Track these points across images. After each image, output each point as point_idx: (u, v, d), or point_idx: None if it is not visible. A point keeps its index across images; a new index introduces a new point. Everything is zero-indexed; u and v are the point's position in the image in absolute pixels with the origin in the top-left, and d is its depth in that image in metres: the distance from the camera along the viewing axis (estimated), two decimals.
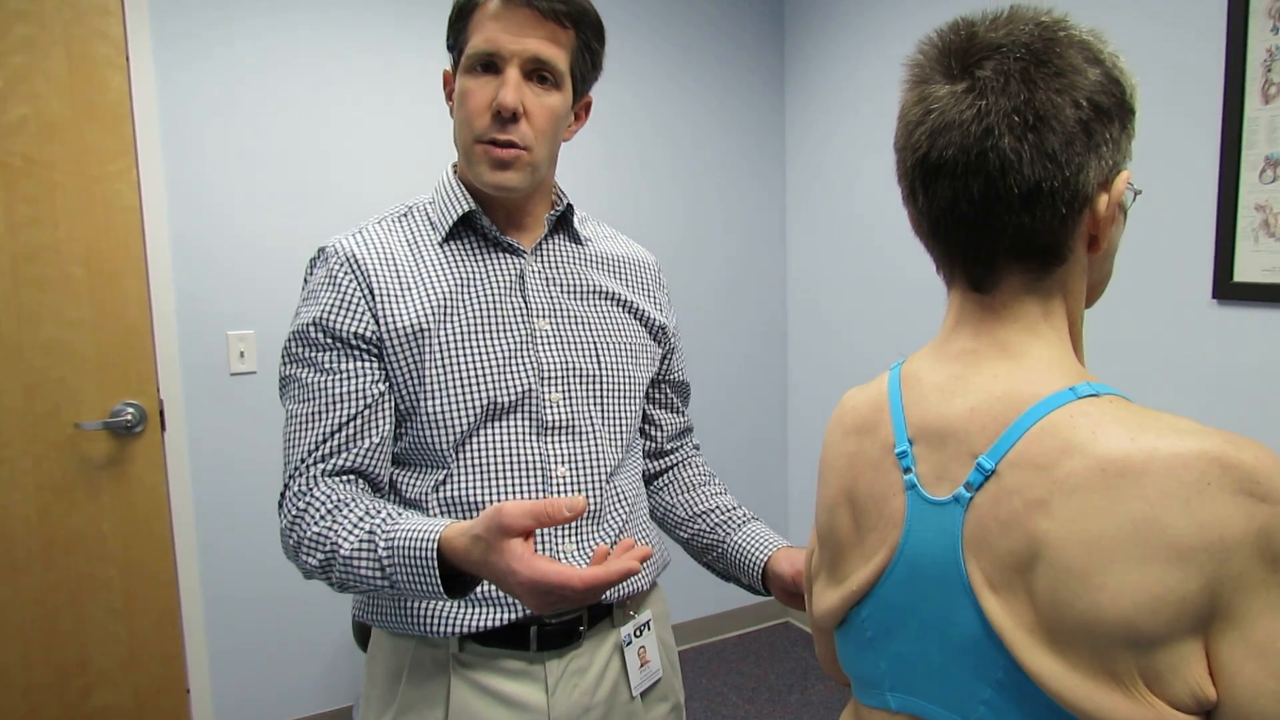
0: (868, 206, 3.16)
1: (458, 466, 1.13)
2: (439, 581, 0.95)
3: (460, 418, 1.12)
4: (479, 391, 1.12)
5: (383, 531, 1.00)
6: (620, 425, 1.23)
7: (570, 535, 1.16)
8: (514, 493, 1.13)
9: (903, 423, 0.79)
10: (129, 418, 2.42)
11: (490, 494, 1.13)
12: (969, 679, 0.72)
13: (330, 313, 1.11)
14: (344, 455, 1.10)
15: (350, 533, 1.02)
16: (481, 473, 1.13)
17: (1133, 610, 0.61)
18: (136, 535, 2.48)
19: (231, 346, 2.58)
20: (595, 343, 1.21)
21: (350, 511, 1.05)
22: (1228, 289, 2.07)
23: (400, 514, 1.03)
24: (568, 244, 1.26)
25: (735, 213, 3.44)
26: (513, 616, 1.12)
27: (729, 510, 1.36)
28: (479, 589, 1.10)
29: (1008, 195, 0.69)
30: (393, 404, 1.13)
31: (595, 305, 1.24)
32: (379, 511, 1.04)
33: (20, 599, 2.35)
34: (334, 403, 1.10)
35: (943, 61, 0.72)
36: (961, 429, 0.73)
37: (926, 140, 0.72)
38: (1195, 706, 0.62)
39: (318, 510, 1.06)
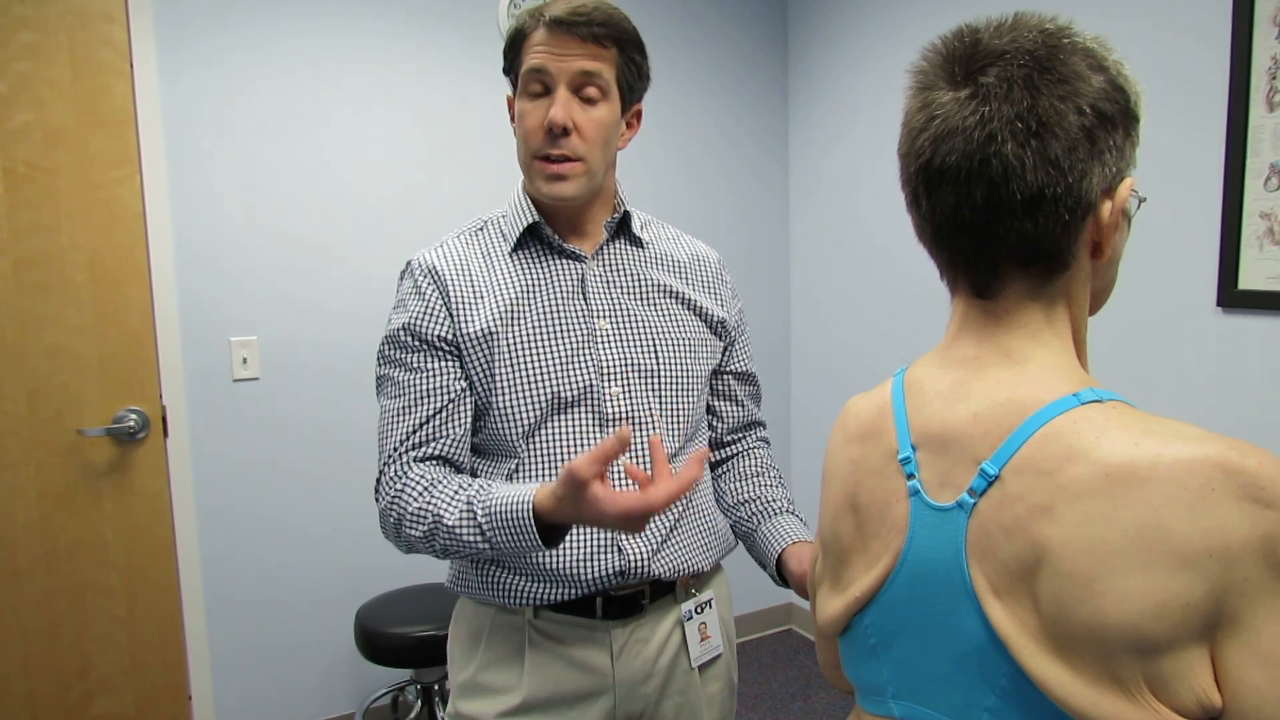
0: (870, 212, 3.16)
1: (528, 456, 1.25)
2: (537, 538, 1.09)
3: (528, 412, 1.23)
4: (544, 388, 1.23)
5: (480, 501, 1.14)
6: (679, 416, 1.31)
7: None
8: None
9: (906, 429, 0.79)
10: (131, 424, 2.42)
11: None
12: (973, 686, 0.72)
13: (417, 319, 1.25)
14: (432, 445, 1.23)
15: (450, 504, 1.16)
16: (549, 461, 1.25)
17: (1137, 616, 0.61)
18: (139, 542, 2.48)
19: (234, 352, 2.59)
20: (654, 339, 1.30)
21: (445, 488, 1.19)
22: (1232, 297, 2.07)
23: (489, 485, 1.17)
24: (628, 247, 1.35)
25: (738, 217, 3.44)
26: (579, 593, 1.23)
27: (768, 501, 1.42)
28: (552, 565, 1.22)
29: (1010, 201, 0.69)
30: (472, 400, 1.26)
31: (655, 304, 1.33)
32: (470, 485, 1.18)
33: (22, 605, 2.35)
34: (422, 398, 1.24)
35: (946, 68, 0.73)
36: (965, 435, 0.73)
37: (929, 146, 0.72)
38: (1200, 713, 0.62)
39: (414, 489, 1.20)
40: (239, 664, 2.66)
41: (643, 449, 1.27)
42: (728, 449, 1.48)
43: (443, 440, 1.23)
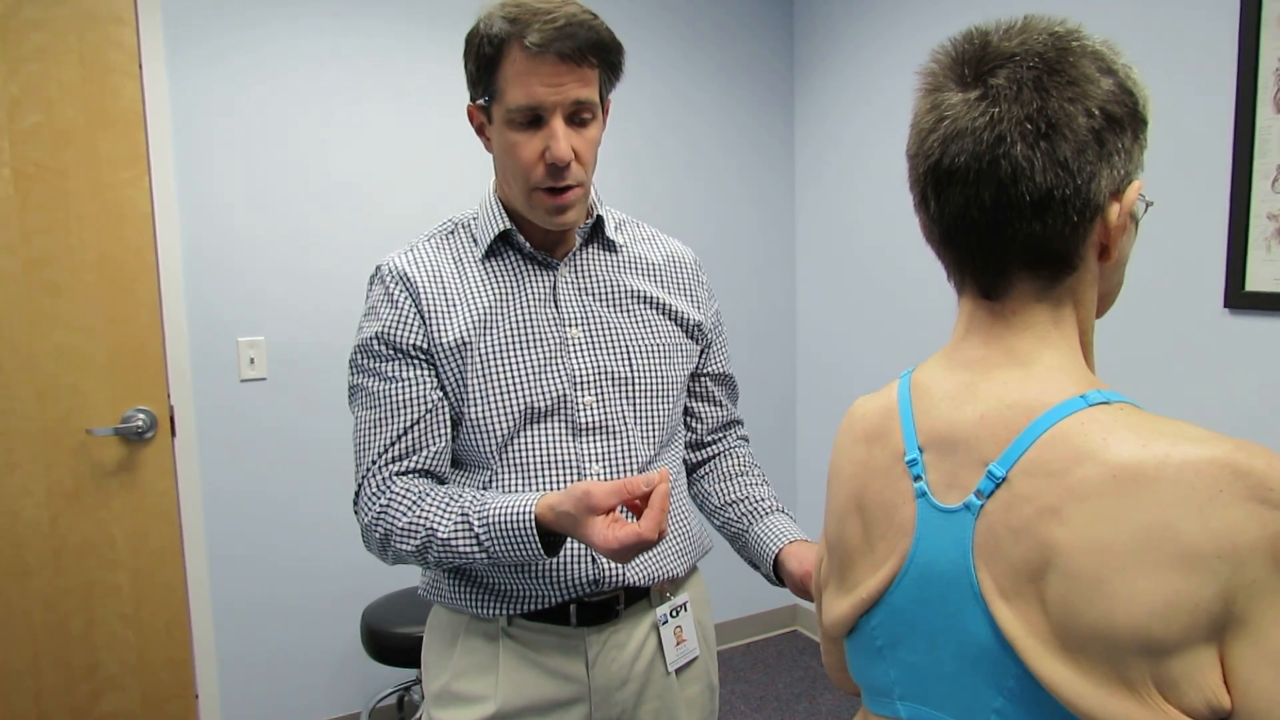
0: (876, 212, 3.16)
1: (501, 468, 1.22)
2: (539, 547, 1.09)
3: (501, 423, 1.21)
4: (517, 399, 1.21)
5: (475, 512, 1.13)
6: (654, 423, 1.29)
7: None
8: (552, 490, 1.20)
9: (913, 430, 0.79)
10: (140, 424, 2.43)
11: (531, 492, 1.20)
12: (980, 688, 0.72)
13: (390, 327, 1.21)
14: (413, 458, 1.21)
15: (443, 517, 1.15)
16: (522, 473, 1.22)
17: (1146, 617, 0.61)
18: (146, 541, 2.49)
19: (241, 353, 2.59)
20: (627, 346, 1.27)
21: (434, 500, 1.17)
22: (1239, 298, 2.07)
23: (482, 495, 1.16)
24: (600, 252, 1.32)
25: (743, 217, 3.44)
26: (552, 601, 1.22)
27: (757, 501, 1.40)
28: (525, 573, 1.22)
29: (1019, 203, 0.69)
30: (449, 410, 1.23)
31: (628, 310, 1.30)
32: (460, 495, 1.17)
33: (31, 603, 2.36)
34: (400, 408, 1.20)
35: (956, 69, 0.73)
36: (972, 436, 0.73)
37: (939, 147, 0.72)
38: (1209, 714, 0.62)
39: (401, 503, 1.17)
40: (245, 663, 2.67)
41: (615, 459, 1.25)
42: (708, 449, 1.46)
43: (423, 452, 1.21)
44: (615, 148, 3.13)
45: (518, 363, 1.21)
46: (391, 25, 2.74)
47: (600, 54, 1.14)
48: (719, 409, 1.45)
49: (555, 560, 1.20)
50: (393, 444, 1.19)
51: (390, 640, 2.39)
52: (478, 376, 1.20)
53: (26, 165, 2.28)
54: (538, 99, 1.12)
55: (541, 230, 1.26)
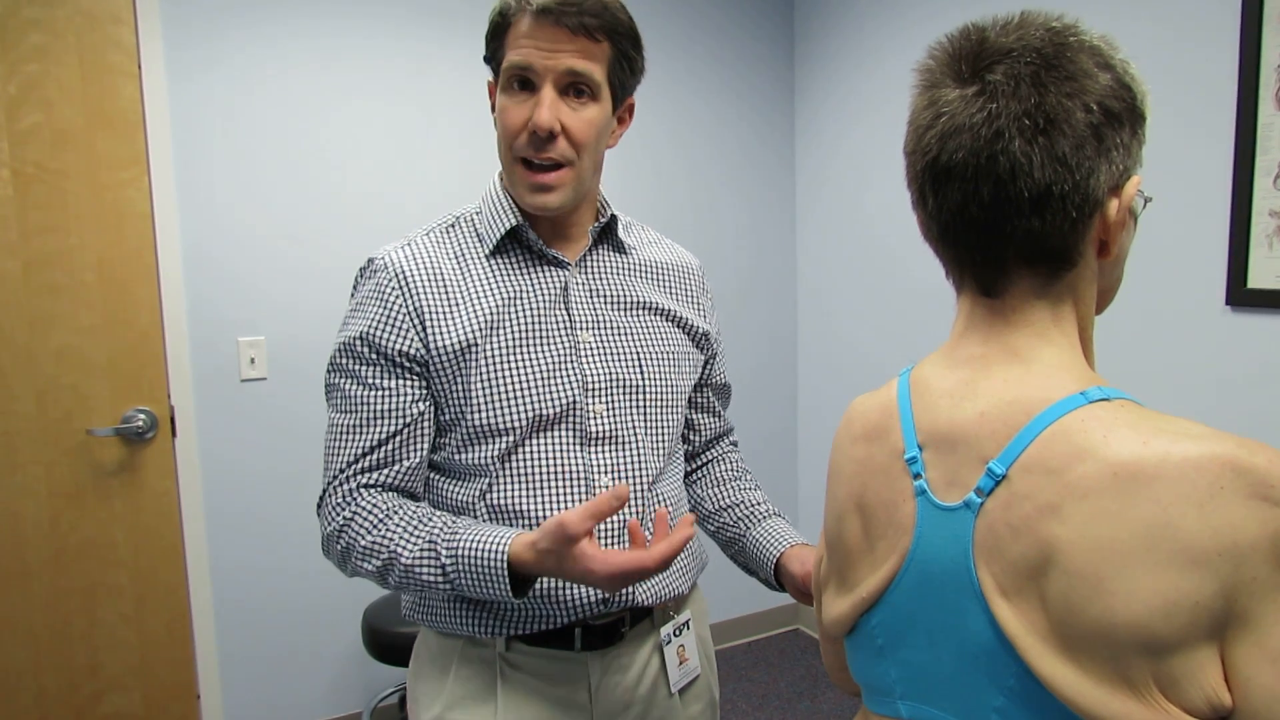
0: (877, 212, 3.16)
1: (503, 475, 1.16)
2: (509, 589, 1.03)
3: (508, 430, 1.14)
4: (525, 404, 1.14)
5: (444, 541, 1.07)
6: (663, 434, 1.25)
7: (617, 546, 1.17)
8: (560, 502, 1.16)
9: (912, 428, 0.79)
10: (140, 424, 2.43)
11: (536, 503, 1.15)
12: (981, 686, 0.71)
13: (376, 329, 1.14)
14: (383, 471, 1.14)
15: (409, 542, 1.08)
16: (528, 482, 1.15)
17: (1146, 615, 0.61)
18: (147, 541, 2.49)
19: (242, 353, 2.59)
20: (638, 353, 1.22)
21: (400, 520, 1.11)
22: (1241, 295, 2.06)
23: (455, 523, 1.09)
24: (611, 254, 1.27)
25: (745, 218, 3.44)
26: (556, 623, 1.15)
27: (753, 505, 1.37)
28: (531, 590, 1.15)
29: (1018, 198, 0.69)
30: (432, 423, 1.16)
31: (638, 316, 1.25)
32: (430, 518, 1.11)
33: (32, 604, 2.36)
34: (375, 418, 1.13)
35: (953, 66, 0.72)
36: (972, 434, 0.73)
37: (936, 143, 0.72)
38: (1210, 713, 0.62)
39: (365, 520, 1.11)
40: (247, 663, 2.67)
41: (625, 470, 1.19)
42: (703, 457, 1.44)
43: (394, 467, 1.14)
44: (615, 152, 3.12)
45: (527, 366, 1.15)
46: (391, 25, 2.74)
47: (608, 31, 1.10)
48: (716, 419, 1.44)
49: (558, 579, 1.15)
50: (364, 454, 1.13)
51: (392, 640, 2.39)
52: (483, 380, 1.13)
53: (26, 166, 2.28)
54: (528, 60, 1.09)
55: (552, 227, 1.21)
